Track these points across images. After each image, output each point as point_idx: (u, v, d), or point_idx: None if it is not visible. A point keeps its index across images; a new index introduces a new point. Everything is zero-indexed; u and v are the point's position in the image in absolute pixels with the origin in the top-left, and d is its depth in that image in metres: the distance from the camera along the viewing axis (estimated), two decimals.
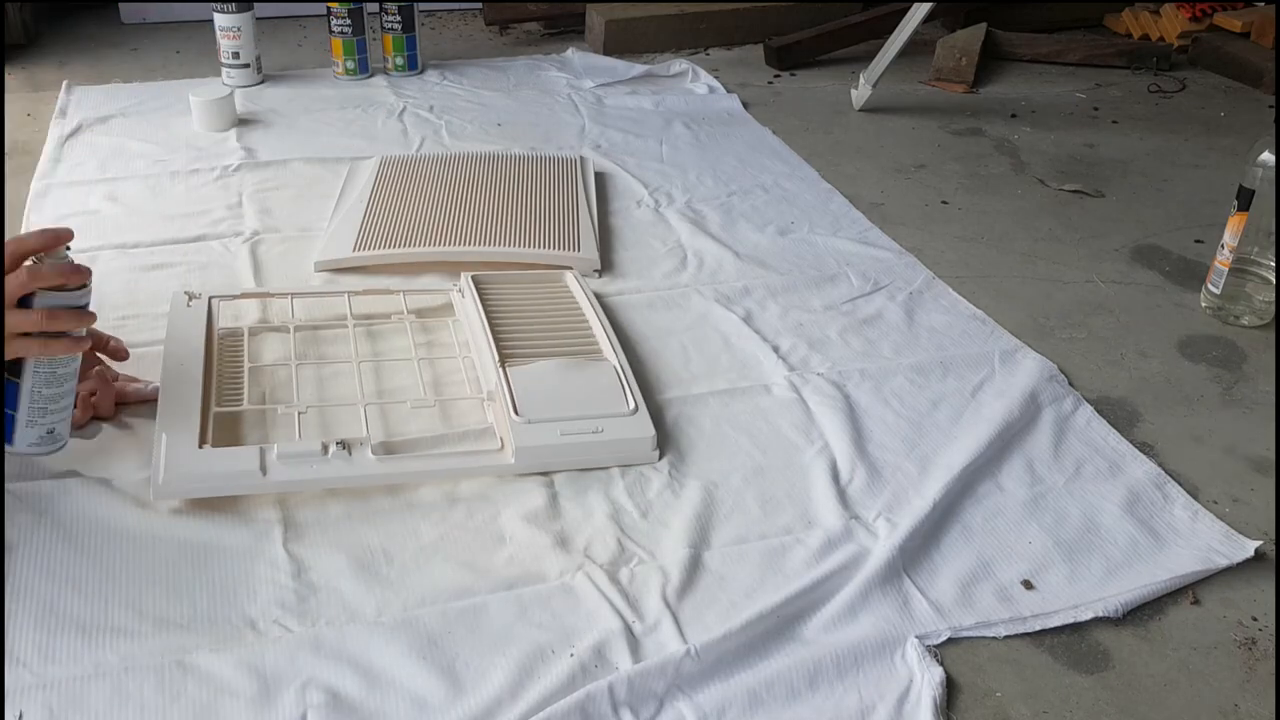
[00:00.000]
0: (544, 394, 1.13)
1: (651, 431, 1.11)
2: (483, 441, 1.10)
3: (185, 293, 1.27)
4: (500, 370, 1.15)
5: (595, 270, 1.46)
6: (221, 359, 1.19)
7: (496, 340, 1.21)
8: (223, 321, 1.27)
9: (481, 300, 1.29)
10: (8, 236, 0.97)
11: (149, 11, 2.44)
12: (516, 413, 1.10)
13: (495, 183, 1.63)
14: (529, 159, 1.73)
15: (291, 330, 1.25)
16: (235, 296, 1.30)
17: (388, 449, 1.07)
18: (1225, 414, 1.25)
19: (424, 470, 1.06)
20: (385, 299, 1.34)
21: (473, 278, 1.34)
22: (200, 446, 1.04)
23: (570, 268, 1.43)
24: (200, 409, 1.08)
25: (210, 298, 1.27)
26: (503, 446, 1.09)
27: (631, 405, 1.13)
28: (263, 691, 0.85)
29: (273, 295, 1.31)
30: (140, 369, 1.21)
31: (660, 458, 1.12)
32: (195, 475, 1.01)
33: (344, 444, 1.06)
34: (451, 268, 1.44)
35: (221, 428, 1.09)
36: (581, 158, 1.76)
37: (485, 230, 1.50)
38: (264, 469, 1.02)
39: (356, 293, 1.33)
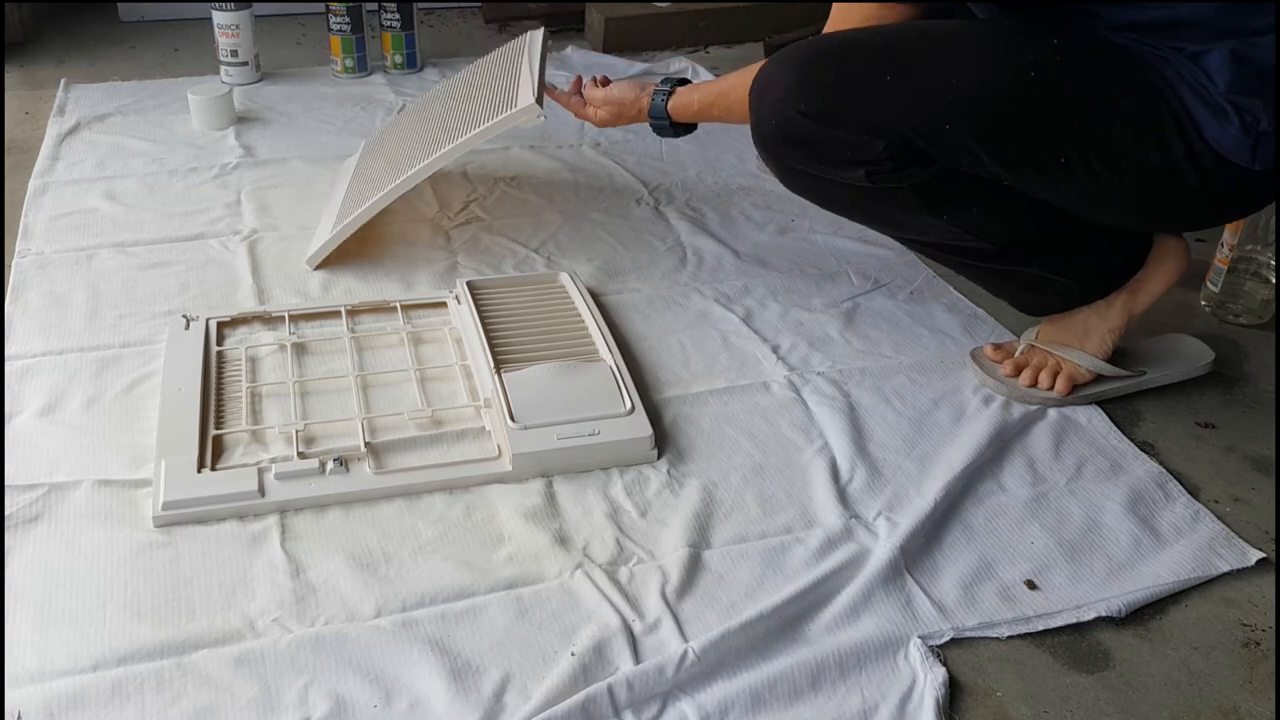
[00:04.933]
0: (540, 398, 1.12)
1: (649, 431, 1.11)
2: (480, 449, 1.10)
3: (183, 316, 1.27)
4: (496, 377, 1.15)
5: (540, 116, 1.33)
6: (220, 381, 1.19)
7: (492, 346, 1.20)
8: (220, 335, 1.27)
9: (477, 306, 1.28)
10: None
11: (147, 9, 2.43)
12: (513, 419, 1.09)
13: (447, 100, 1.54)
14: (477, 66, 1.59)
15: (289, 348, 1.25)
16: (232, 319, 1.30)
17: (385, 462, 1.07)
18: (1225, 413, 1.24)
19: (421, 482, 1.06)
20: (381, 310, 1.34)
21: (468, 283, 1.33)
22: (199, 470, 1.04)
23: (517, 125, 1.33)
24: (199, 432, 1.09)
25: (208, 320, 1.27)
26: (500, 454, 1.09)
27: (628, 405, 1.13)
28: (263, 692, 0.84)
29: (271, 315, 1.31)
30: (136, 375, 1.21)
31: (659, 457, 1.12)
32: (195, 499, 1.01)
33: (341, 460, 1.06)
34: (449, 266, 1.44)
35: (221, 450, 1.09)
36: (531, 33, 1.54)
37: (435, 141, 1.41)
38: (262, 490, 1.02)
39: (353, 308, 1.33)
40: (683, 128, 1.36)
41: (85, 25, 2.40)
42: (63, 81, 2.02)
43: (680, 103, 1.32)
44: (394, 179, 1.40)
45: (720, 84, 1.27)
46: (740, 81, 1.19)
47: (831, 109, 1.04)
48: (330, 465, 1.05)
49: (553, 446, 1.08)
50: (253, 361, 1.23)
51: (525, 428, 1.09)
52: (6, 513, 1.00)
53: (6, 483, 1.03)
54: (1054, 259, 1.17)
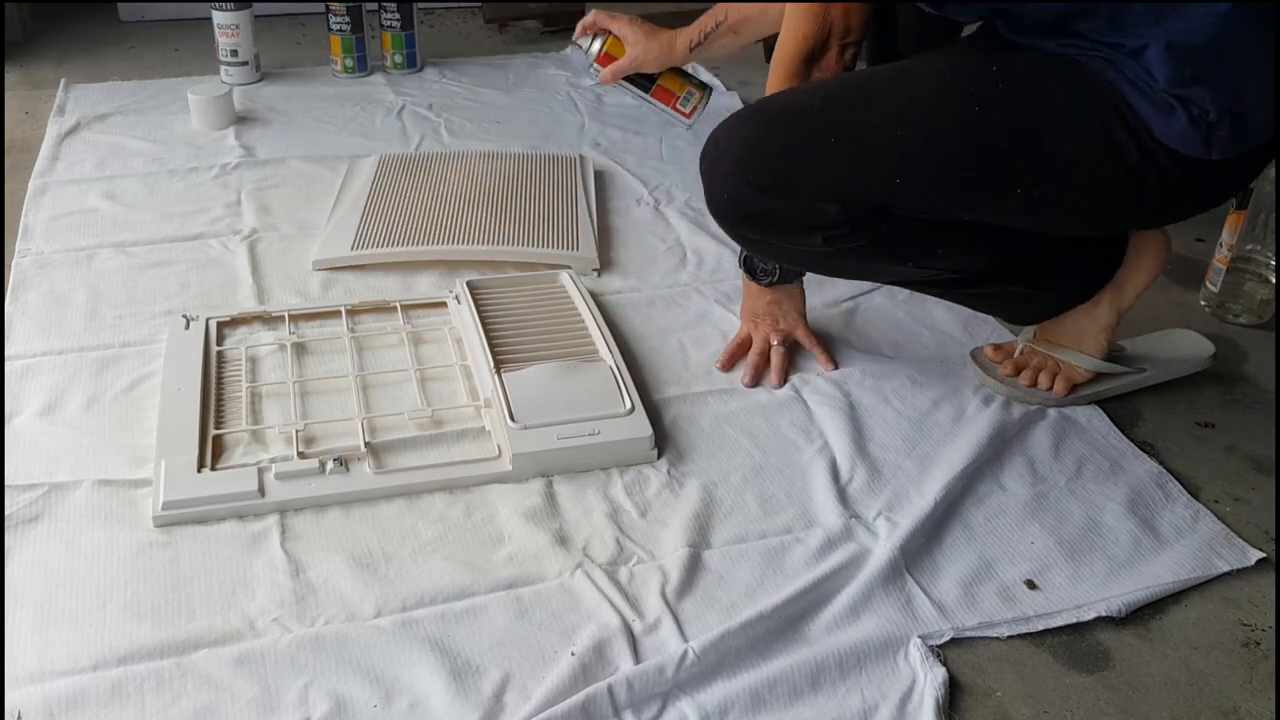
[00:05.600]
0: (540, 398, 1.12)
1: (649, 431, 1.11)
2: (480, 449, 1.10)
3: (183, 316, 1.27)
4: (496, 377, 1.15)
5: (594, 269, 1.46)
6: (220, 381, 1.19)
7: (492, 346, 1.20)
8: (220, 335, 1.27)
9: (477, 306, 1.28)
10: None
11: (147, 9, 2.43)
12: (513, 419, 1.09)
13: (494, 181, 1.63)
14: (528, 157, 1.73)
15: (289, 347, 1.25)
16: (232, 319, 1.30)
17: (385, 462, 1.07)
18: (1225, 413, 1.24)
19: (421, 482, 1.06)
20: (381, 309, 1.34)
21: (468, 283, 1.34)
22: (199, 470, 1.04)
23: (568, 267, 1.43)
24: (199, 432, 1.08)
25: (208, 320, 1.27)
26: (500, 454, 1.09)
27: (628, 405, 1.13)
28: (263, 692, 0.84)
29: (271, 315, 1.31)
30: (136, 375, 1.21)
31: (659, 457, 1.12)
32: (195, 499, 1.01)
33: (341, 460, 1.06)
34: (449, 267, 1.44)
35: (221, 449, 1.09)
36: (581, 156, 1.76)
37: (484, 229, 1.49)
38: (262, 490, 1.02)
39: (353, 308, 1.33)
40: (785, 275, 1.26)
41: (85, 25, 2.40)
42: (63, 81, 2.02)
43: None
44: (432, 241, 1.46)
45: None
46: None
47: (781, 180, 1.02)
48: (330, 465, 1.05)
49: (553, 446, 1.08)
50: (253, 361, 1.23)
51: (525, 428, 1.09)
52: (6, 513, 1.00)
53: (6, 483, 1.03)
54: (1029, 275, 1.16)
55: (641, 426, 1.11)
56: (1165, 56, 0.94)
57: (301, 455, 1.07)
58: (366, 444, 1.09)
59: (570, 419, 1.10)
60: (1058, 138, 0.99)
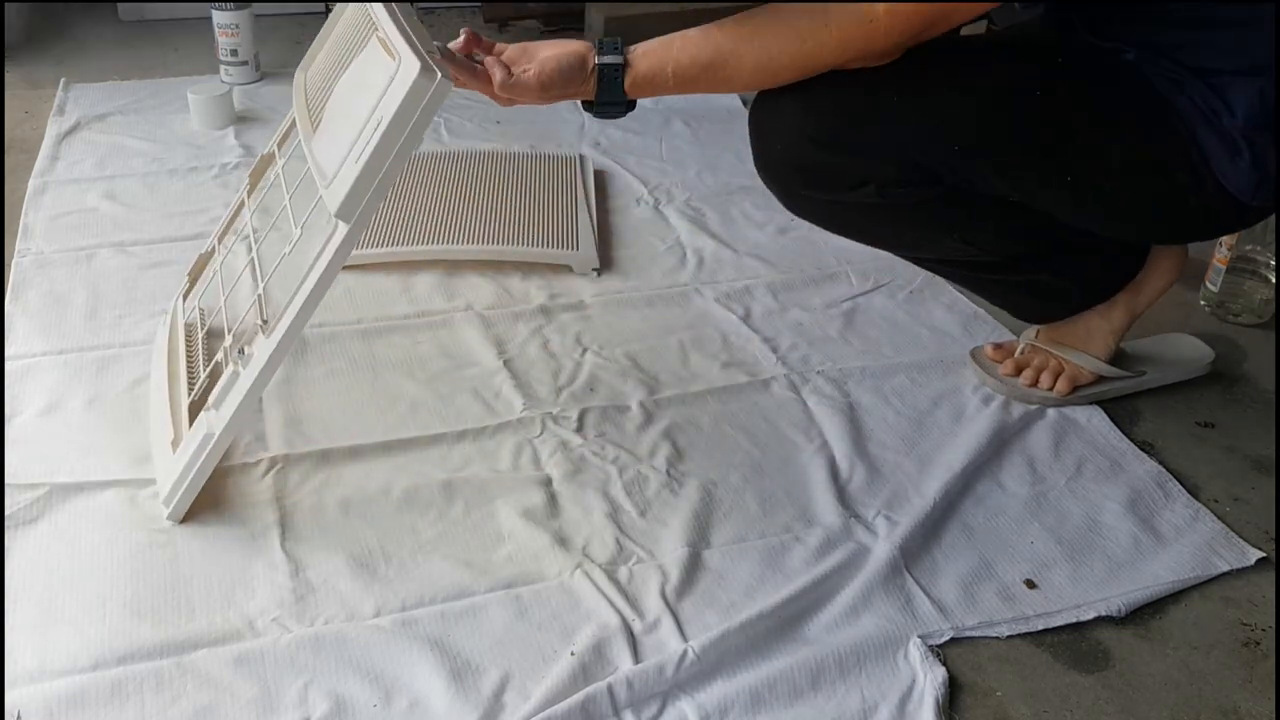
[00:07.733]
0: None
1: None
2: None
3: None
4: None
5: (594, 269, 1.46)
6: (188, 348, 1.16)
7: None
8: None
9: None
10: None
11: (147, 9, 2.43)
12: None
13: (494, 181, 1.63)
14: (527, 157, 1.73)
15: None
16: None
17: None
18: (1225, 413, 1.24)
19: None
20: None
21: None
22: (174, 450, 1.02)
23: (569, 267, 1.43)
24: (170, 411, 1.06)
25: (177, 303, 1.24)
26: None
27: None
28: (263, 692, 0.84)
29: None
30: (136, 375, 1.21)
31: (660, 456, 1.12)
32: (185, 488, 0.99)
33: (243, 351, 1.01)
34: (449, 266, 1.44)
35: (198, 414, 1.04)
36: (581, 156, 1.76)
37: (484, 229, 1.49)
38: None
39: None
40: (632, 103, 1.06)
41: (85, 25, 2.39)
42: (62, 81, 2.02)
43: (645, 78, 1.03)
44: (432, 241, 1.46)
45: (703, 47, 1.03)
46: (734, 47, 1.01)
47: (841, 135, 1.01)
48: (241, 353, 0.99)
49: None
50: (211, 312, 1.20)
51: None
52: (6, 513, 1.00)
53: (6, 483, 1.03)
54: (1061, 265, 1.17)
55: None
56: (1256, 98, 0.96)
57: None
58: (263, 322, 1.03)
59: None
60: (1114, 147, 1.01)
